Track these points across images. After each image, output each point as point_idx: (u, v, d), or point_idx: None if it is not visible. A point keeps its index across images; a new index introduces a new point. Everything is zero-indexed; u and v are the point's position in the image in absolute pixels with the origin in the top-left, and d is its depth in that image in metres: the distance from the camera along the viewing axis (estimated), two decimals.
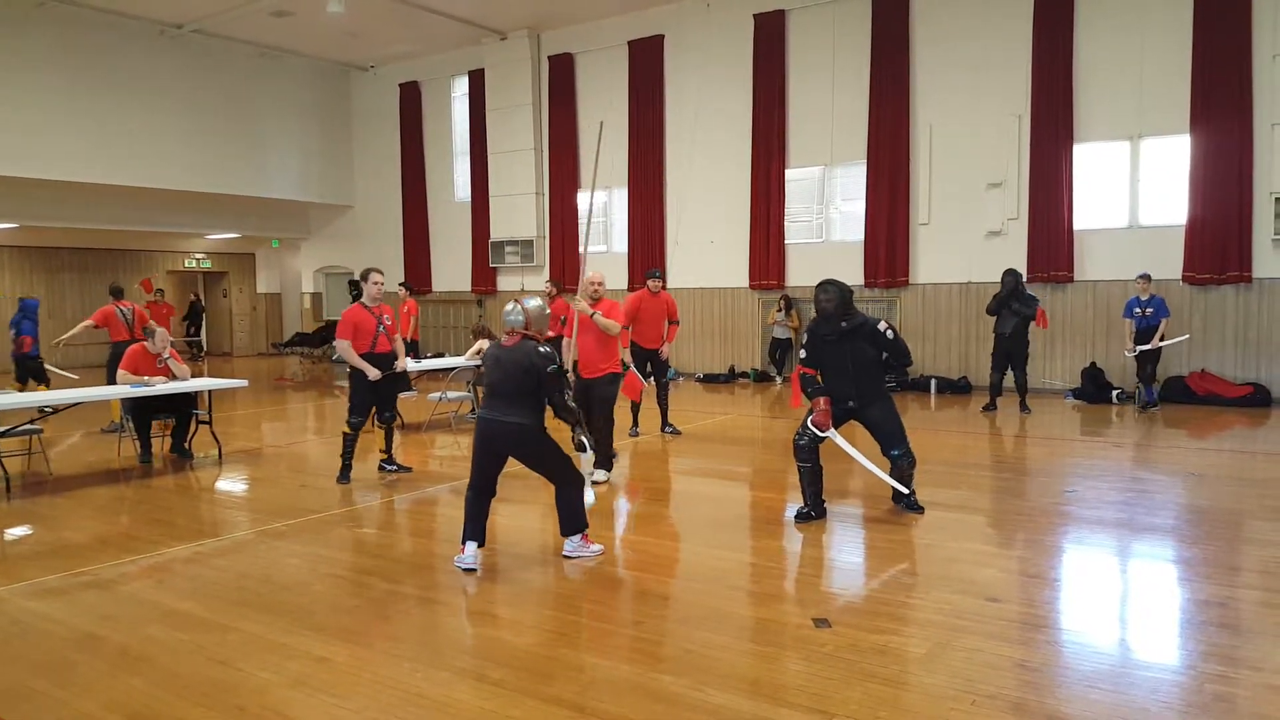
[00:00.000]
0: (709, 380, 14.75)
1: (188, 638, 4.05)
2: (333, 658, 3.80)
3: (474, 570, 4.93)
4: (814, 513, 5.88)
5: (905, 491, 6.01)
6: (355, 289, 18.40)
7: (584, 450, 5.28)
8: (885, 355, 5.82)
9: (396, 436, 8.21)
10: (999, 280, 10.74)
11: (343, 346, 7.12)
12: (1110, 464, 7.80)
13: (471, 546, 4.98)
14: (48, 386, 11.04)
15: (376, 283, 7.29)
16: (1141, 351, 10.55)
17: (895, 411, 5.95)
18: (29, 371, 11.19)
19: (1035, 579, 4.80)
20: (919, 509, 5.99)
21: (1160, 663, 3.72)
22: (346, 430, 7.26)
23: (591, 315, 6.90)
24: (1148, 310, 10.53)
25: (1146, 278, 10.68)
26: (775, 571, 5.06)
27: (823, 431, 5.80)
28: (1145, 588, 4.81)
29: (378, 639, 4.01)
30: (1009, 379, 10.82)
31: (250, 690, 3.51)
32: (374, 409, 7.49)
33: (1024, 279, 10.86)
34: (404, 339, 13.28)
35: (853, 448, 5.99)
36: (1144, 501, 6.40)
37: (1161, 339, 10.48)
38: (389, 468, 7.65)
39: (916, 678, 3.52)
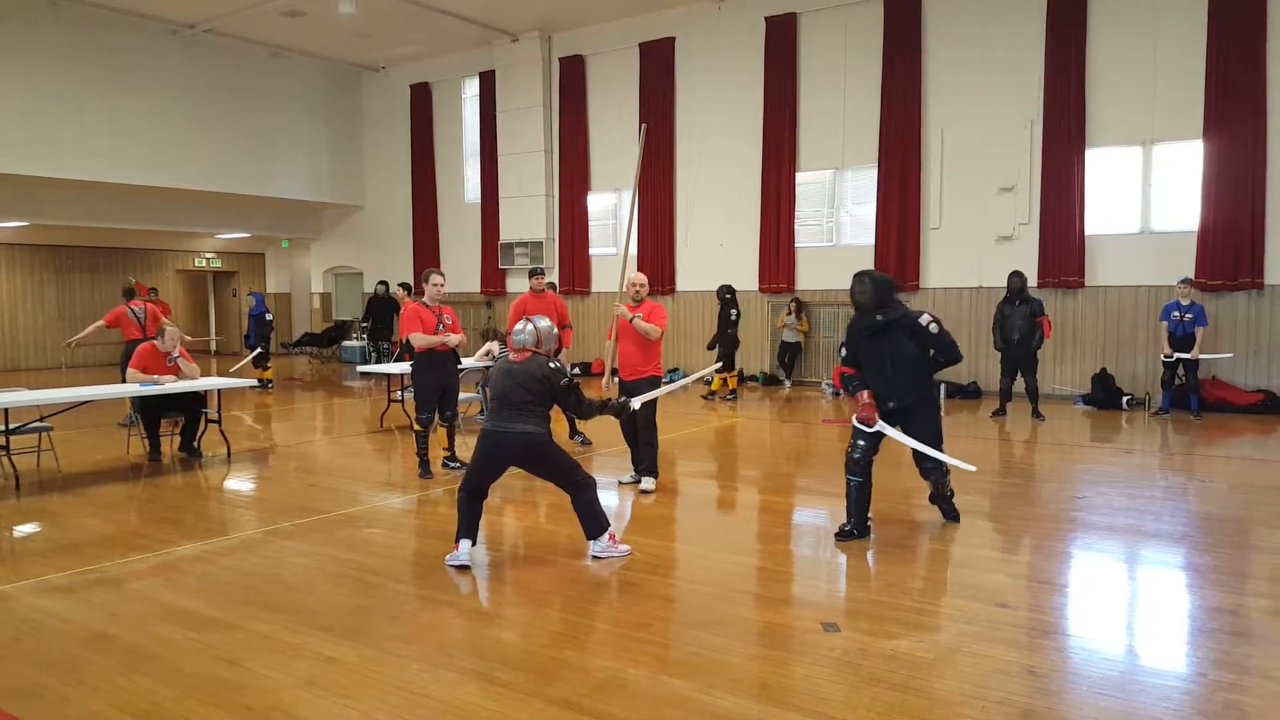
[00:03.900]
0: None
1: (196, 636, 4.06)
2: (341, 658, 3.80)
3: (467, 567, 4.98)
4: (857, 531, 5.48)
5: (947, 494, 5.78)
6: (384, 288, 18.29)
7: (622, 412, 5.57)
8: (932, 352, 5.38)
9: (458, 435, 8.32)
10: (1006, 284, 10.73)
11: (416, 338, 7.31)
12: (1120, 470, 7.75)
13: (465, 544, 5.05)
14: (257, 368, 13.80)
15: (436, 284, 7.50)
16: (1180, 359, 10.41)
17: (936, 417, 5.54)
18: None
19: (1045, 585, 4.77)
20: (955, 517, 5.81)
21: (1170, 670, 3.69)
22: (416, 428, 7.49)
23: (631, 319, 6.80)
24: (1186, 316, 10.32)
25: (1188, 282, 10.54)
26: (783, 575, 5.05)
27: (869, 427, 5.39)
28: (1155, 594, 4.77)
29: (385, 639, 4.01)
30: (1019, 384, 10.79)
31: (258, 690, 3.51)
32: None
33: (1029, 283, 10.80)
34: (403, 340, 13.49)
35: (907, 437, 5.48)
36: (1154, 508, 6.36)
37: (1200, 349, 10.29)
38: (452, 464, 7.74)
39: (925, 683, 3.50)
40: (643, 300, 6.99)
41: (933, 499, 5.90)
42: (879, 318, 5.33)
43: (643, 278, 7.12)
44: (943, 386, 12.68)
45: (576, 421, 9.00)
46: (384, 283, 17.66)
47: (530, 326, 5.19)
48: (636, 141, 15.52)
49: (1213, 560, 5.07)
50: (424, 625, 4.26)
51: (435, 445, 7.84)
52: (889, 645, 3.86)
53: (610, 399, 5.71)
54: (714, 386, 12.90)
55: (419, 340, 7.32)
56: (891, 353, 5.34)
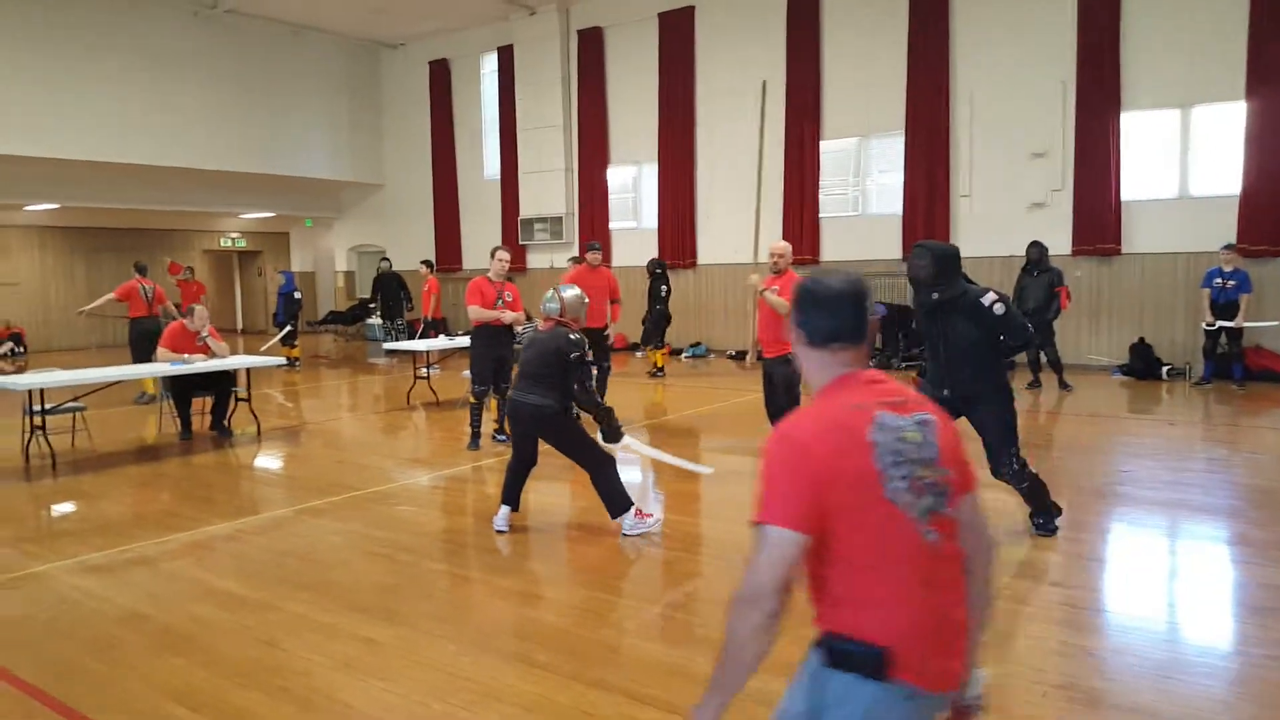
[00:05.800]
0: (740, 357, 14.57)
1: (231, 617, 4.04)
2: (377, 638, 3.75)
3: (504, 531, 5.14)
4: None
5: (1042, 499, 4.89)
6: (387, 265, 18.21)
7: (612, 440, 5.29)
8: (1001, 336, 4.61)
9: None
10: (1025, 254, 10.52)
11: (473, 310, 7.47)
12: (1163, 443, 7.56)
13: (504, 510, 5.20)
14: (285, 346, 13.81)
15: (502, 259, 7.78)
16: (1223, 327, 10.15)
17: (1004, 415, 4.68)
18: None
19: (1096, 562, 4.65)
20: (1050, 530, 4.86)
21: (1222, 649, 3.56)
22: (471, 400, 7.67)
23: (761, 291, 6.44)
24: (1229, 283, 10.00)
25: (1231, 248, 10.24)
26: None
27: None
28: (1211, 572, 4.62)
29: (421, 619, 3.96)
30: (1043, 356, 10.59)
31: (294, 671, 3.48)
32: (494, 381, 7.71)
33: (1049, 252, 10.55)
34: (426, 317, 13.56)
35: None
36: (1200, 481, 6.19)
37: (1244, 317, 9.96)
38: (500, 439, 7.77)
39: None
40: (783, 271, 6.49)
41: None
42: (934, 295, 4.66)
43: (785, 246, 6.60)
44: None
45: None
46: (386, 259, 17.51)
47: (556, 295, 5.17)
48: (655, 112, 15.33)
49: (1266, 535, 4.91)
50: (458, 604, 4.21)
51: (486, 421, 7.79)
52: None
53: (611, 411, 5.26)
54: (659, 362, 12.52)
55: (475, 314, 7.45)
56: (946, 336, 4.66)
